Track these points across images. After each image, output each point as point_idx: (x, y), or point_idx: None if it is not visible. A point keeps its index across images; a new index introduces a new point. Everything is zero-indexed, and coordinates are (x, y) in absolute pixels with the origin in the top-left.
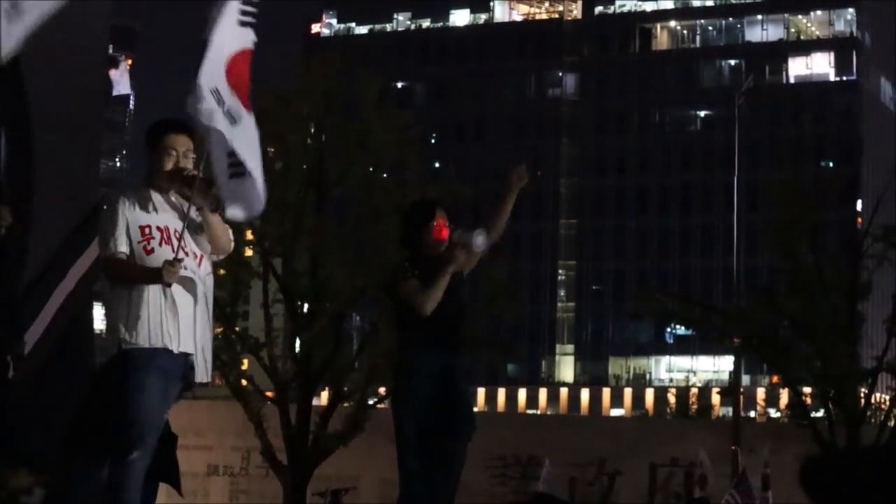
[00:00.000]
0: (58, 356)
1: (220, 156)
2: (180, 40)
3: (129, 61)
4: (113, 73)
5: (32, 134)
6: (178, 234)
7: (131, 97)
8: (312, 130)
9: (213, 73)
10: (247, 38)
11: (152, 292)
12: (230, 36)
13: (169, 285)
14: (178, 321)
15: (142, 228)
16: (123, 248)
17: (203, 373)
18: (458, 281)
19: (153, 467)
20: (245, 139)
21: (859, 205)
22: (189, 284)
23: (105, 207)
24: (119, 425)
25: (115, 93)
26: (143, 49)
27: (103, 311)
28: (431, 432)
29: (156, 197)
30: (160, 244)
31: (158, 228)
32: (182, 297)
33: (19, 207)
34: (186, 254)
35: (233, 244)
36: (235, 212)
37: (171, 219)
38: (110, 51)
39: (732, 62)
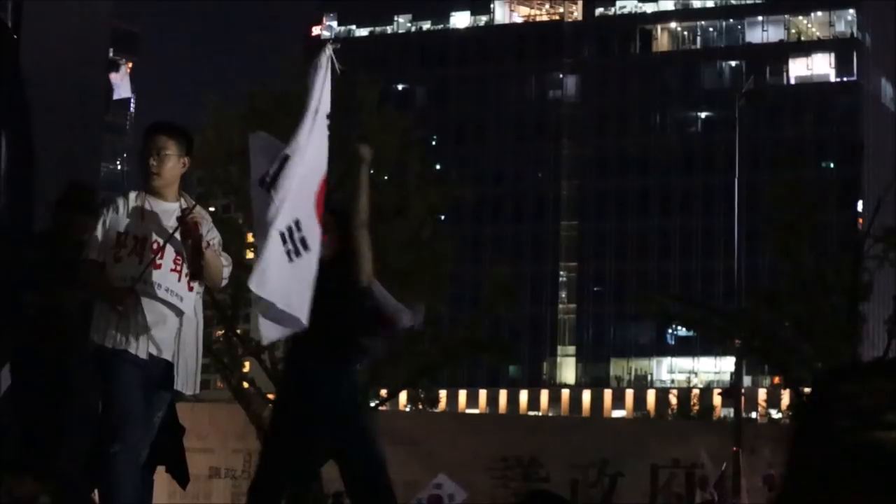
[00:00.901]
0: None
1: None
2: (182, 44)
3: (130, 65)
4: (114, 77)
5: (33, 137)
6: (154, 249)
7: (132, 100)
8: None
9: (298, 202)
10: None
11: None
12: (319, 158)
13: (117, 311)
14: (149, 329)
15: (119, 235)
16: (94, 254)
17: (184, 383)
18: (344, 294)
19: (156, 458)
20: (301, 274)
21: (860, 206)
22: (165, 298)
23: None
24: (98, 420)
25: (115, 96)
26: (144, 52)
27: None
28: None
29: (150, 202)
30: (130, 254)
31: (135, 237)
32: (157, 309)
33: (19, 210)
34: (158, 266)
35: (225, 281)
36: (268, 332)
37: (156, 228)
38: (111, 54)
39: (733, 63)
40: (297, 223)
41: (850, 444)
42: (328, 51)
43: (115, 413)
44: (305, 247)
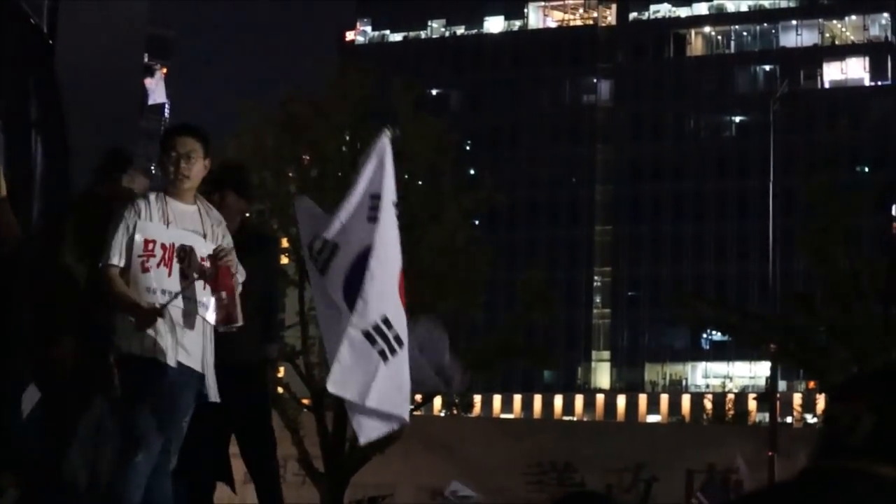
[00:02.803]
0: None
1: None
2: (215, 49)
3: (165, 70)
4: (148, 82)
5: (68, 142)
6: (183, 256)
7: (166, 106)
8: (348, 138)
9: (383, 297)
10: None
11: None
12: (394, 248)
13: (138, 328)
14: (177, 337)
15: (146, 243)
16: (116, 259)
17: (214, 393)
18: None
19: (198, 467)
20: (398, 369)
21: (895, 209)
22: (190, 308)
23: (117, 212)
24: (122, 428)
25: (150, 101)
26: (177, 57)
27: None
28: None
29: (174, 206)
30: (158, 265)
31: (163, 246)
32: (183, 317)
33: (55, 215)
34: (186, 276)
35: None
36: (368, 432)
37: (183, 234)
38: (146, 59)
39: (767, 67)
40: (385, 321)
41: None
42: (386, 137)
43: (140, 421)
44: (400, 343)
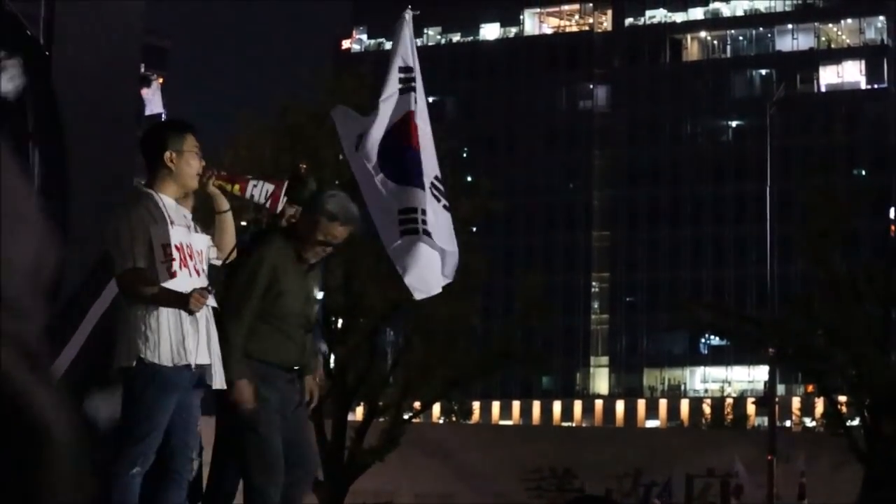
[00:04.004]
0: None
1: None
2: (211, 59)
3: (161, 80)
4: (145, 92)
5: (66, 153)
6: (191, 253)
7: (163, 116)
8: None
9: (428, 158)
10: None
11: (171, 308)
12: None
13: (191, 313)
14: (198, 336)
15: (164, 248)
16: (142, 262)
17: (220, 381)
18: None
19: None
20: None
21: (892, 212)
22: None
23: (119, 214)
24: (127, 439)
25: (147, 112)
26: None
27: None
28: None
29: (169, 205)
30: (181, 266)
31: (177, 247)
32: (197, 315)
33: (53, 225)
34: (198, 273)
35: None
36: (410, 279)
37: (183, 232)
38: (142, 70)
39: (763, 72)
40: (437, 177)
41: None
42: (408, 14)
43: (148, 441)
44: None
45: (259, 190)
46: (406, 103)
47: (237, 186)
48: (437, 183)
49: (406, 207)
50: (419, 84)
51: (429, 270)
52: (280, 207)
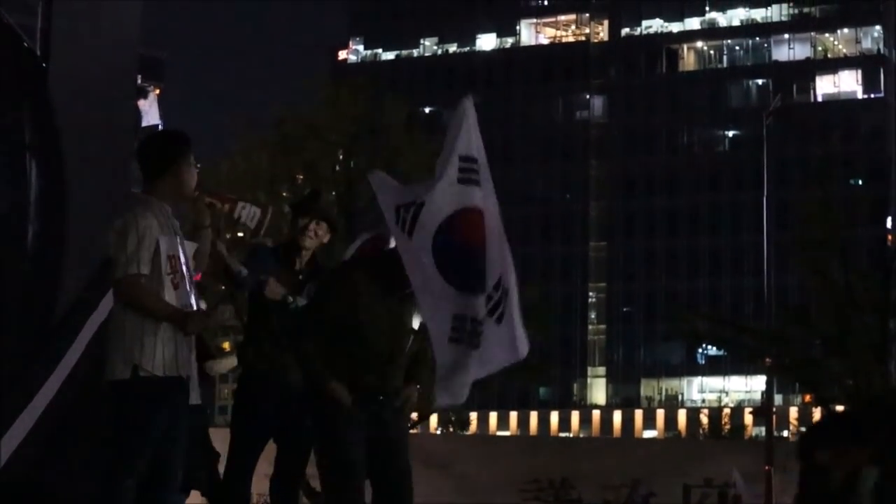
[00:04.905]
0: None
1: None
2: (207, 69)
3: (158, 91)
4: (142, 104)
5: (63, 165)
6: (186, 265)
7: (160, 127)
8: (341, 157)
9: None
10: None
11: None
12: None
13: (187, 334)
14: (185, 347)
15: (171, 259)
16: (146, 269)
17: (197, 395)
18: None
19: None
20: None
21: (889, 222)
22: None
23: (128, 218)
24: (121, 451)
25: (144, 123)
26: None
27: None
28: None
29: (165, 212)
30: (181, 279)
31: (177, 258)
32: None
33: (50, 237)
34: (188, 284)
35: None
36: (439, 385)
37: (177, 243)
38: (139, 81)
39: (760, 82)
40: (498, 280)
41: None
42: (469, 101)
43: (140, 452)
44: (506, 295)
45: (247, 212)
46: (467, 197)
47: (227, 206)
48: (505, 283)
49: (459, 314)
50: (486, 178)
51: (459, 383)
52: (262, 231)
